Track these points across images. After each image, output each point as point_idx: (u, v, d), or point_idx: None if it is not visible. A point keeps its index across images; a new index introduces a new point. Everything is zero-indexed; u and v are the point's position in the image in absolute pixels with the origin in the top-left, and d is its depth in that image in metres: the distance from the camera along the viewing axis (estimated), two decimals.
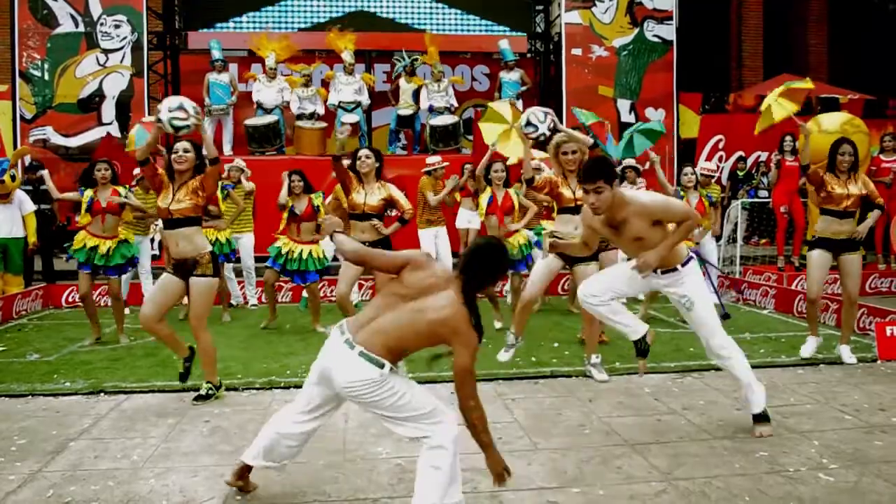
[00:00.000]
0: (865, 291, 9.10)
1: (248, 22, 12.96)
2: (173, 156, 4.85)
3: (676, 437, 4.10)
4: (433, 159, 8.77)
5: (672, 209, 4.06)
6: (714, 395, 4.95)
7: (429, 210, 8.48)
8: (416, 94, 12.02)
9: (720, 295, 8.97)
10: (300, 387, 5.12)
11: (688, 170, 7.53)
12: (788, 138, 9.95)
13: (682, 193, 7.35)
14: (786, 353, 6.03)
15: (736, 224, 10.41)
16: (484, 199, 7.30)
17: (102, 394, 5.06)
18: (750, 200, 11.76)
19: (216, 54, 11.75)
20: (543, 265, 5.62)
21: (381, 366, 2.86)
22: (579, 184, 4.24)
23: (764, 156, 12.61)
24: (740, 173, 12.63)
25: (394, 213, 6.39)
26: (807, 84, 6.35)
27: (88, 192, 6.71)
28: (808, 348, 5.98)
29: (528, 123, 5.83)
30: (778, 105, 6.19)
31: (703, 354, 5.95)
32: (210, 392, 4.91)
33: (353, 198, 6.07)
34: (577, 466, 3.68)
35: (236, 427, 4.35)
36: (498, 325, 7.02)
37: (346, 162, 6.13)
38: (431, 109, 11.68)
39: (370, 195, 6.05)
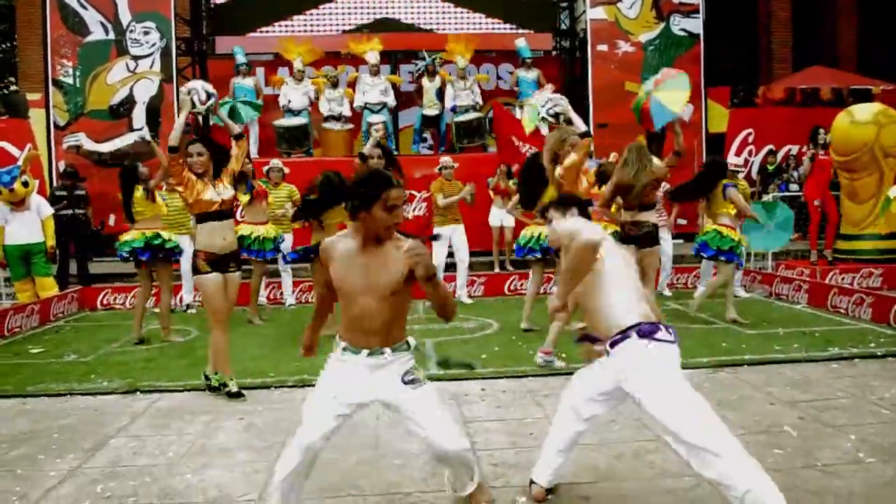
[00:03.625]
0: None
1: (275, 33, 13.09)
2: (189, 160, 4.84)
3: None
4: (445, 159, 8.76)
5: None
6: (747, 390, 4.89)
7: (441, 209, 8.45)
8: (440, 93, 11.98)
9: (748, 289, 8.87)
10: None
11: None
12: (822, 131, 9.80)
13: None
14: (820, 347, 5.93)
15: None
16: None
17: (138, 392, 5.15)
18: (781, 194, 11.59)
19: (240, 59, 11.89)
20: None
21: None
22: None
23: (795, 149, 12.44)
24: (770, 167, 12.46)
25: None
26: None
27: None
28: None
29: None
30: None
31: (736, 350, 5.97)
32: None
33: None
34: (609, 461, 3.67)
35: (270, 424, 4.41)
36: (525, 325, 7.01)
37: (374, 162, 6.16)
38: (454, 110, 11.66)
39: None
